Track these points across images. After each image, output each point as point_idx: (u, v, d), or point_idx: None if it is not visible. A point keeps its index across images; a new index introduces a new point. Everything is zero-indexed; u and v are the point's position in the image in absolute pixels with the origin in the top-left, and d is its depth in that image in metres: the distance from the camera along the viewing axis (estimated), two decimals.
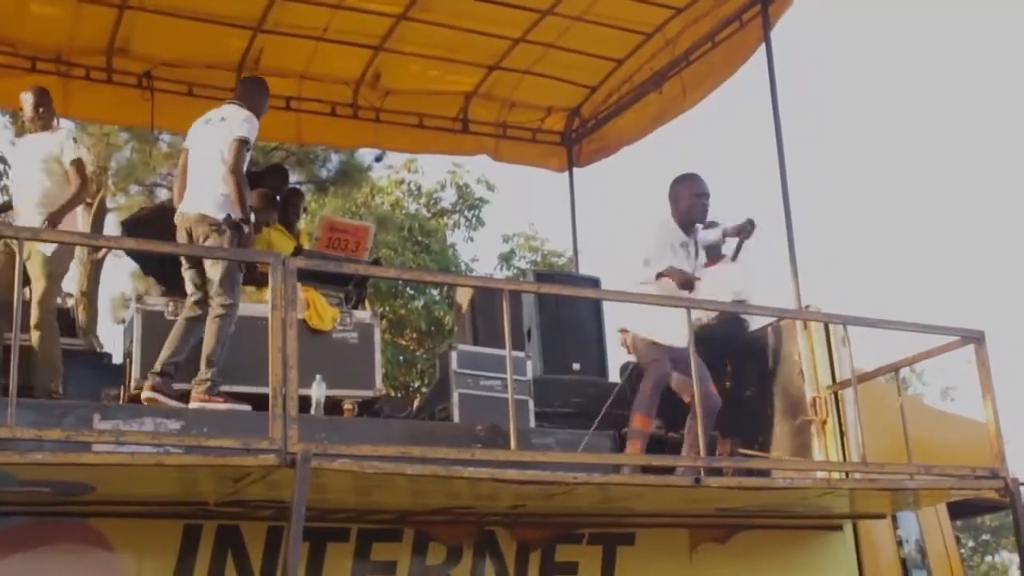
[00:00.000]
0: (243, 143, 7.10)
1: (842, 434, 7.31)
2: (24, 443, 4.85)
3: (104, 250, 15.92)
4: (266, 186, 8.70)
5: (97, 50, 9.09)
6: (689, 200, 7.46)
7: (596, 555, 6.79)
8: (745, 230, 7.96)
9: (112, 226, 17.35)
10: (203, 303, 7.02)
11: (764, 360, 8.01)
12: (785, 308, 7.63)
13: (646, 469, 6.50)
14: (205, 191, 7.09)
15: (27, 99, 7.37)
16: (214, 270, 6.94)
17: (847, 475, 6.97)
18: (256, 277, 7.82)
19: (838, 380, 7.37)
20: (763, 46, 8.37)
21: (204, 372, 6.81)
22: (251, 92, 7.53)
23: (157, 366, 6.82)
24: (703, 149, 47.32)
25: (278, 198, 8.88)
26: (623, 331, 7.78)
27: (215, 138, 7.16)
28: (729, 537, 7.13)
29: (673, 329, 7.02)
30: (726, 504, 6.62)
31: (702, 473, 6.00)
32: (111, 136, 16.02)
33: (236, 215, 7.02)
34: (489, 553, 6.52)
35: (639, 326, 7.52)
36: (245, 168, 7.19)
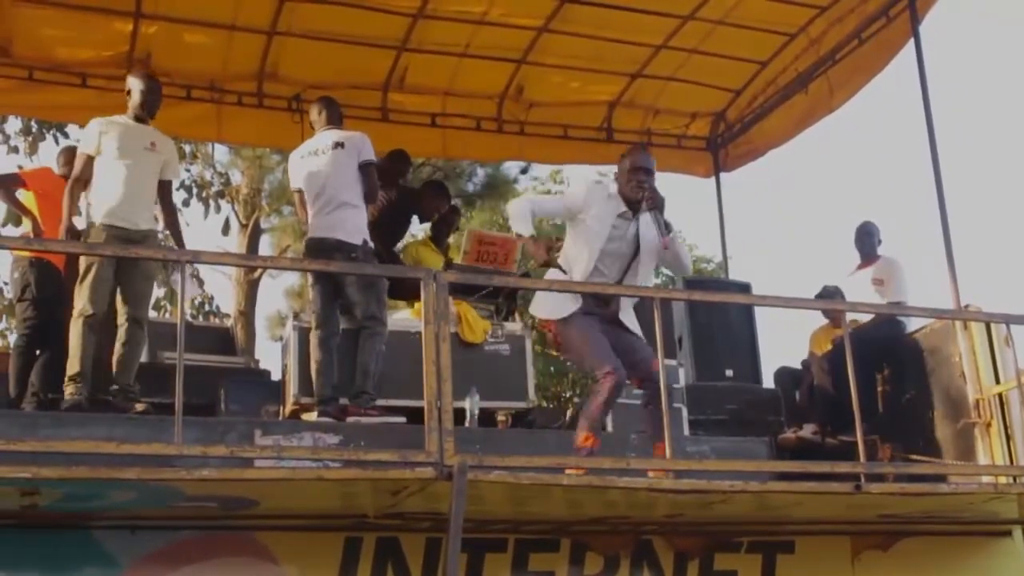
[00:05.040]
0: (374, 166, 7.37)
1: (1008, 437, 7.09)
2: (191, 460, 5.01)
3: (260, 270, 16.30)
4: (394, 175, 8.65)
5: (248, 76, 9.34)
6: (625, 175, 6.43)
7: (755, 563, 6.71)
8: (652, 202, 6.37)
9: (267, 246, 17.78)
10: (329, 323, 7.20)
11: (923, 362, 7.83)
12: (944, 308, 7.44)
13: (803, 476, 6.37)
14: (339, 218, 7.26)
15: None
16: (361, 292, 7.08)
17: (1015, 479, 6.76)
18: (404, 292, 7.98)
19: (1002, 381, 7.16)
20: (911, 41, 8.20)
21: (360, 387, 6.96)
22: (338, 111, 7.70)
23: (322, 394, 7.01)
24: (853, 149, 46.47)
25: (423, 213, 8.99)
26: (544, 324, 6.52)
27: (335, 165, 7.33)
28: (892, 544, 6.99)
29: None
30: (888, 510, 6.48)
31: (863, 479, 5.89)
32: (263, 159, 16.41)
33: (370, 241, 7.26)
34: (647, 562, 6.49)
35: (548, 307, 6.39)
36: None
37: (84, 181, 6.86)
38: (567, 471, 5.57)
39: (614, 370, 6.07)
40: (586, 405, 6.21)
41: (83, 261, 6.70)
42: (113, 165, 6.82)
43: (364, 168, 7.30)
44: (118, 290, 6.81)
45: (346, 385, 7.04)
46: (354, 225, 7.22)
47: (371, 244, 7.28)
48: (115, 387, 6.68)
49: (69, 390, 6.48)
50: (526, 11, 8.89)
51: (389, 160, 8.65)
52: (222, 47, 8.95)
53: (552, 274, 6.36)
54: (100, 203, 6.79)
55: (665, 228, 6.31)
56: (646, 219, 6.38)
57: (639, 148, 6.77)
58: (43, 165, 7.17)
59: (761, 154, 10.57)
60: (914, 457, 7.57)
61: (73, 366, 6.51)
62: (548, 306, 6.34)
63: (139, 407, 6.59)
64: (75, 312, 6.60)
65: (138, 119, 7.07)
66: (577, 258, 6.34)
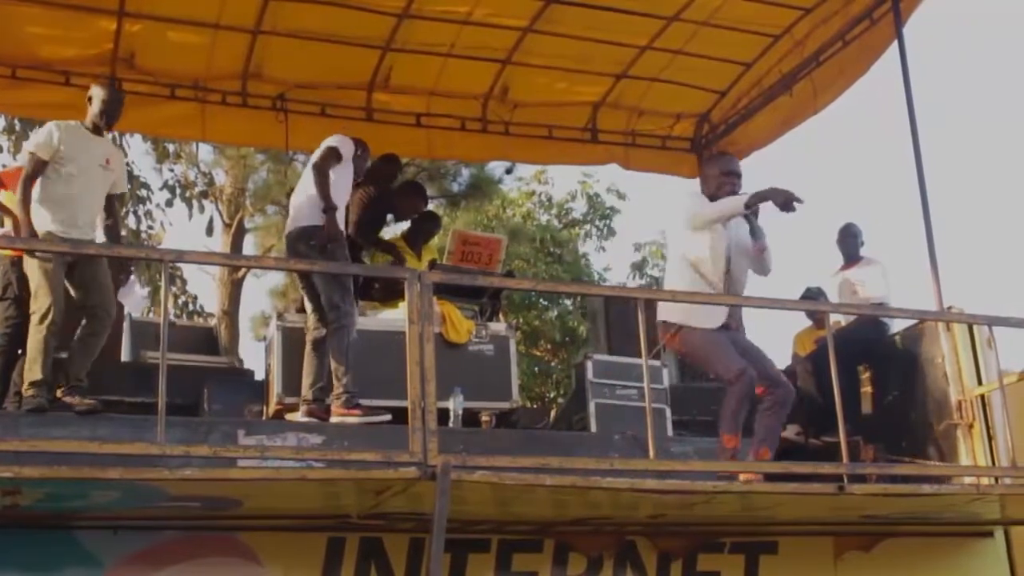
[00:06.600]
0: (331, 149, 7.33)
1: (990, 438, 7.13)
2: (174, 459, 5.00)
3: (244, 270, 16.28)
4: (378, 176, 8.70)
5: (232, 75, 9.30)
6: (717, 180, 6.79)
7: (738, 564, 6.72)
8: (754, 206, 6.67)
9: (251, 246, 17.76)
10: (324, 320, 7.19)
11: (906, 363, 7.85)
12: (927, 310, 7.46)
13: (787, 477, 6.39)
14: (300, 206, 7.32)
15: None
16: (324, 279, 7.08)
17: (997, 480, 6.79)
18: (380, 292, 7.99)
19: (984, 382, 7.18)
20: (895, 43, 8.21)
21: (338, 386, 6.95)
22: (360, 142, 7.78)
23: (308, 394, 6.99)
24: (837, 150, 46.58)
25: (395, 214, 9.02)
26: (666, 330, 6.71)
27: (307, 167, 7.46)
28: (874, 545, 7.01)
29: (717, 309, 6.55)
30: (871, 511, 6.51)
31: (845, 480, 5.90)
32: (248, 158, 16.39)
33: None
34: (630, 563, 6.50)
35: (685, 315, 6.61)
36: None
37: (36, 180, 6.71)
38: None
39: (745, 369, 6.31)
40: (723, 408, 6.43)
41: (37, 268, 6.52)
42: (66, 178, 6.71)
43: (321, 151, 7.34)
44: (72, 288, 6.70)
45: (329, 386, 7.04)
46: (312, 209, 7.22)
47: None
48: (77, 380, 6.52)
49: (30, 393, 6.33)
50: (511, 11, 8.88)
51: (382, 162, 8.69)
52: (206, 46, 8.90)
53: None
54: (48, 213, 6.67)
55: (758, 232, 6.67)
56: (738, 220, 6.68)
57: (725, 153, 7.16)
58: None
59: (745, 155, 10.54)
60: (897, 458, 7.59)
61: (35, 372, 6.36)
62: (678, 313, 6.59)
63: (87, 402, 6.39)
64: (35, 318, 6.45)
65: (95, 128, 6.96)
66: (713, 261, 6.64)
